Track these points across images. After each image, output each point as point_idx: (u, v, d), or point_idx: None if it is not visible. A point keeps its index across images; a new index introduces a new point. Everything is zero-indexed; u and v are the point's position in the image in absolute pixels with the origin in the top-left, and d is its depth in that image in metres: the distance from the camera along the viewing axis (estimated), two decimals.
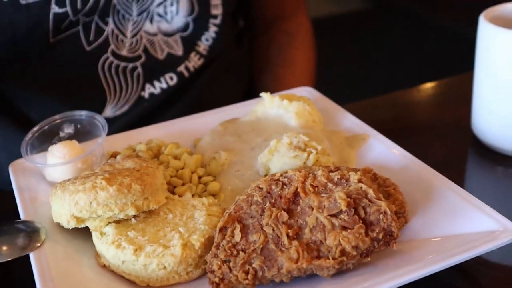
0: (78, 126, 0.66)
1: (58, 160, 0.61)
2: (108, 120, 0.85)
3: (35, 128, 0.65)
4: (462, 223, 0.51)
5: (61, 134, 0.67)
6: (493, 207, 0.52)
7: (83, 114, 0.66)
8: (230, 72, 0.98)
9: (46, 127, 0.65)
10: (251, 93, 1.06)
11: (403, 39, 3.28)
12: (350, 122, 0.68)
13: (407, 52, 2.82)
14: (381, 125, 0.68)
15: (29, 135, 0.64)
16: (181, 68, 0.89)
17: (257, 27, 1.08)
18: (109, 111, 0.86)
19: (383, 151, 0.62)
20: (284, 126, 0.65)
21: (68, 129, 0.66)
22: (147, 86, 0.87)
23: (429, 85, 0.86)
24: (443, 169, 0.59)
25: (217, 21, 0.90)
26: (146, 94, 0.87)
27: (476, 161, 0.70)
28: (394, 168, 0.59)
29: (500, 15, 0.69)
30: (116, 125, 0.86)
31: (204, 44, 0.90)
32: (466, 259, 0.48)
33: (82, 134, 0.66)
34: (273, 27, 1.07)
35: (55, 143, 0.64)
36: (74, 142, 0.63)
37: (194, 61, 0.90)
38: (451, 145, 0.71)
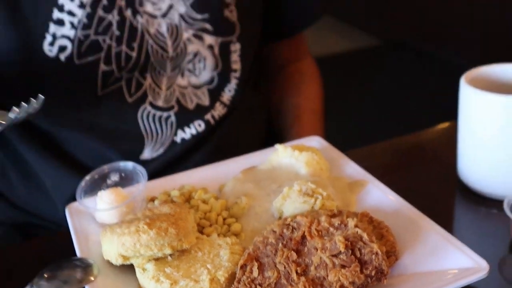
0: (123, 174, 0.72)
1: (106, 205, 0.66)
2: (146, 161, 0.90)
3: (88, 177, 0.70)
4: (443, 260, 0.56)
5: (108, 182, 0.71)
6: (473, 245, 0.57)
7: (127, 164, 0.71)
8: (250, 116, 1.02)
9: (96, 176, 0.71)
10: (271, 133, 1.11)
11: (412, 77, 3.26)
12: (351, 169, 0.72)
13: (416, 90, 2.78)
14: (378, 170, 0.72)
15: (83, 183, 0.70)
16: (208, 116, 0.93)
17: (271, 71, 1.13)
18: (147, 153, 0.90)
19: (379, 196, 0.67)
20: (295, 174, 0.70)
21: (114, 177, 0.72)
22: (179, 132, 0.91)
23: (425, 131, 0.90)
24: (431, 209, 0.64)
25: (237, 74, 0.95)
26: (178, 139, 0.91)
27: (461, 202, 0.74)
28: (387, 211, 0.64)
29: (481, 76, 0.73)
30: (153, 165, 0.90)
31: (227, 94, 0.95)
32: None
33: (126, 181, 0.71)
34: (285, 69, 1.12)
35: (104, 190, 0.68)
36: (119, 188, 0.69)
37: (219, 110, 0.94)
38: (439, 187, 0.76)
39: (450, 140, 0.76)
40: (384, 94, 3.15)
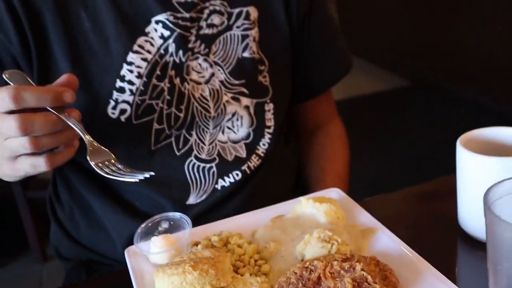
0: (171, 222, 0.80)
1: (158, 248, 0.74)
2: (191, 205, 0.97)
3: (143, 225, 0.78)
4: None
5: (160, 229, 0.80)
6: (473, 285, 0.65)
7: (175, 214, 0.80)
8: (281, 167, 1.09)
9: (150, 224, 0.79)
10: (299, 183, 1.18)
11: (440, 118, 3.27)
12: (364, 217, 0.80)
13: (444, 132, 2.76)
14: (388, 219, 0.79)
15: (139, 230, 0.78)
16: (245, 167, 1.00)
17: (301, 132, 1.20)
18: (192, 199, 0.97)
19: (386, 242, 0.74)
20: (316, 222, 0.78)
21: (165, 225, 0.80)
22: (220, 180, 0.98)
23: (431, 181, 0.97)
24: (431, 253, 0.71)
25: (271, 130, 1.03)
26: (218, 187, 0.98)
27: (461, 246, 0.81)
28: (393, 255, 0.71)
29: (476, 138, 0.79)
30: (197, 209, 0.97)
31: (261, 148, 1.02)
32: None
33: (174, 228, 0.79)
34: (315, 132, 1.18)
35: (156, 235, 0.77)
36: (169, 235, 0.77)
37: (254, 162, 1.02)
38: (440, 234, 0.82)
39: (451, 192, 0.83)
40: (413, 134, 3.18)
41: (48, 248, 2.35)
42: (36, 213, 2.18)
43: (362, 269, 0.63)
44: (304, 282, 0.64)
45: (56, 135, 0.73)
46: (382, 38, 4.49)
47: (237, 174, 1.00)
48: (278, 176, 1.08)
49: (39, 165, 0.74)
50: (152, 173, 0.75)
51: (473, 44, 3.35)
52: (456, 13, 3.47)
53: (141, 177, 0.75)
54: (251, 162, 1.01)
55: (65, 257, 1.09)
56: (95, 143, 0.76)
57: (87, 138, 0.76)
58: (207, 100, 0.96)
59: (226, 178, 0.99)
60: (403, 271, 0.69)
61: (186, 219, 0.79)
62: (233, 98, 0.98)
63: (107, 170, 0.75)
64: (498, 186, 0.54)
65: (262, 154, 1.02)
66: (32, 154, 0.73)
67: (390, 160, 2.88)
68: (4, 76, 0.76)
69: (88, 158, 0.75)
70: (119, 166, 0.76)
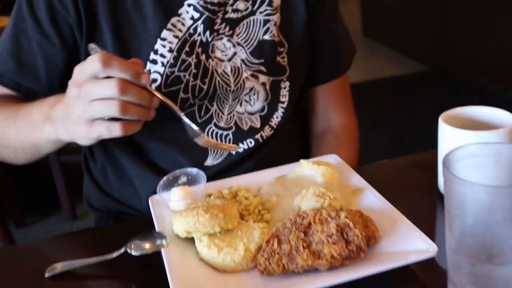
0: (189, 177, 0.90)
1: (177, 198, 0.85)
2: (208, 166, 1.07)
3: (165, 178, 0.89)
4: (408, 244, 0.74)
5: (179, 182, 0.90)
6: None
7: (192, 170, 0.90)
8: (290, 139, 1.19)
9: (171, 177, 0.90)
10: (303, 156, 1.27)
11: (454, 103, 3.32)
12: (356, 180, 0.91)
13: None
14: (378, 183, 0.89)
15: (161, 182, 0.88)
16: (258, 136, 1.10)
17: (311, 130, 1.26)
18: (209, 161, 1.08)
19: (373, 200, 0.85)
20: (314, 181, 0.88)
21: (183, 179, 0.90)
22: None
23: (418, 154, 1.07)
24: (412, 212, 0.80)
25: (284, 105, 1.12)
26: (233, 152, 1.08)
27: (440, 208, 0.90)
28: (377, 211, 0.81)
29: (456, 116, 0.88)
30: (213, 170, 1.07)
31: (275, 120, 1.12)
32: (406, 264, 0.72)
33: (191, 182, 0.90)
34: (326, 131, 1.22)
35: (176, 187, 0.87)
36: (186, 187, 0.88)
37: (267, 132, 1.11)
38: (423, 197, 0.91)
39: (433, 164, 0.92)
40: (427, 117, 3.25)
41: (77, 207, 2.50)
42: (67, 176, 2.32)
43: (346, 217, 0.74)
44: (297, 226, 0.75)
45: (141, 107, 0.81)
46: (403, 26, 4.53)
47: (251, 142, 1.10)
48: (286, 147, 1.18)
49: (114, 129, 0.80)
50: (240, 148, 0.88)
51: (488, 35, 3.39)
52: (476, 5, 3.50)
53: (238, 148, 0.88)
54: (264, 132, 1.11)
55: (96, 207, 1.21)
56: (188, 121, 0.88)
57: (182, 116, 0.87)
58: (228, 75, 1.04)
59: (240, 144, 1.09)
60: (384, 224, 0.79)
61: (202, 174, 0.90)
62: (252, 75, 1.06)
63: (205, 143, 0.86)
64: (458, 150, 0.64)
65: (274, 126, 1.12)
66: (110, 119, 0.80)
67: (401, 139, 2.96)
68: (89, 47, 0.86)
69: (190, 136, 0.88)
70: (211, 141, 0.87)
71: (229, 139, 1.08)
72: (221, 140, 1.08)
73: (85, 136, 0.83)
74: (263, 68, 1.06)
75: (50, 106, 0.89)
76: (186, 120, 0.88)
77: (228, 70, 1.04)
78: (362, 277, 0.70)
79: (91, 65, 0.77)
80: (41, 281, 0.80)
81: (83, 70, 0.79)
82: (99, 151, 1.15)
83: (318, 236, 0.73)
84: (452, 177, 0.60)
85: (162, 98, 0.84)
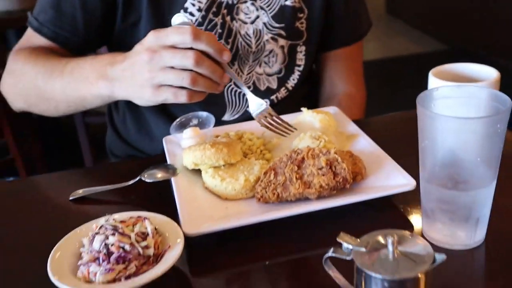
0: (200, 120, 0.99)
1: (188, 136, 0.95)
2: (225, 121, 1.14)
3: (177, 120, 0.98)
4: (391, 180, 0.83)
5: (191, 124, 0.98)
6: None
7: (203, 113, 0.99)
8: (301, 100, 1.24)
9: (183, 119, 0.99)
10: None
11: None
12: (352, 127, 0.99)
13: None
14: (373, 132, 0.97)
15: (174, 123, 0.97)
16: (273, 97, 1.18)
17: (319, 94, 1.33)
18: (226, 116, 1.16)
19: (364, 144, 0.93)
20: (312, 127, 0.97)
21: (194, 122, 0.99)
22: None
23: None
24: (400, 157, 0.89)
25: (300, 68, 1.20)
26: (249, 110, 1.14)
27: None
28: (367, 153, 0.90)
29: (445, 71, 0.94)
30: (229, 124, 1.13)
31: (291, 82, 1.20)
32: (387, 195, 0.80)
33: (201, 124, 0.98)
34: (330, 100, 1.28)
35: (187, 128, 0.96)
36: (197, 128, 0.96)
37: (282, 93, 1.19)
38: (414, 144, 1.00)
39: None
40: None
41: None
42: (91, 136, 2.44)
43: (335, 153, 0.83)
44: (292, 160, 0.84)
45: (211, 80, 0.84)
46: (426, 5, 4.53)
47: (266, 102, 1.14)
48: (298, 108, 1.25)
49: (181, 96, 0.83)
50: (295, 130, 0.91)
51: (508, 16, 3.39)
52: None
53: (288, 133, 0.91)
54: (279, 93, 1.19)
55: (116, 155, 1.31)
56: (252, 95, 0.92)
57: (249, 92, 0.92)
58: (250, 37, 1.11)
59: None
60: (371, 164, 0.88)
61: (211, 117, 1.00)
62: (272, 38, 1.13)
63: (264, 122, 0.92)
64: (432, 91, 0.72)
65: (290, 88, 1.20)
66: (177, 86, 0.83)
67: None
68: (174, 18, 0.85)
69: (250, 110, 0.91)
70: (272, 114, 0.93)
71: (247, 98, 1.15)
72: (238, 99, 1.15)
73: (148, 99, 0.86)
74: (283, 32, 1.13)
75: (105, 64, 0.91)
76: (251, 96, 0.92)
77: (251, 32, 1.10)
78: (347, 204, 0.79)
79: (179, 35, 0.79)
80: (66, 204, 0.90)
81: (164, 38, 0.81)
82: (123, 103, 1.25)
83: (310, 169, 0.82)
84: (423, 111, 0.68)
85: (231, 74, 0.87)
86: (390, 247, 0.58)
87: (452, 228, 0.72)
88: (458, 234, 0.72)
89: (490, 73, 0.93)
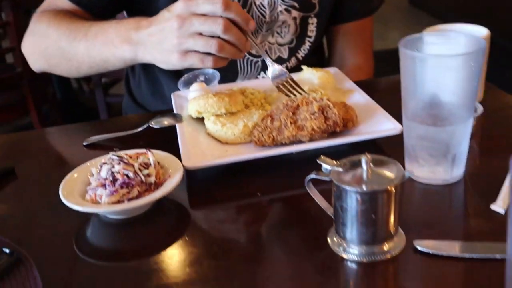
0: (206, 76, 1.05)
1: (194, 90, 1.03)
2: None
3: (185, 75, 1.04)
4: (379, 126, 0.89)
5: (198, 80, 1.05)
6: None
7: (209, 70, 1.05)
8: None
9: (191, 75, 1.05)
10: None
11: (494, 71, 3.36)
12: (349, 85, 1.05)
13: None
14: (370, 91, 1.02)
15: (182, 78, 1.04)
16: (283, 66, 1.20)
17: (332, 61, 1.37)
18: (239, 81, 1.19)
19: (359, 98, 0.99)
20: (312, 83, 1.04)
21: (201, 77, 1.05)
22: (262, 73, 1.21)
23: None
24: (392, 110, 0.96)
25: (311, 39, 1.25)
26: (260, 77, 1.21)
27: None
28: (360, 106, 0.95)
29: (441, 30, 1.04)
30: None
31: (301, 53, 1.25)
32: (374, 137, 0.87)
33: (208, 81, 1.04)
34: (346, 66, 1.33)
35: (195, 83, 1.03)
36: (203, 83, 1.03)
37: (292, 63, 1.24)
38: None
39: None
40: None
41: None
42: (111, 115, 2.55)
43: (328, 100, 0.89)
44: (288, 107, 0.91)
45: (235, 47, 0.89)
46: None
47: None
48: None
49: (207, 62, 0.88)
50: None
51: None
52: None
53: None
54: (289, 63, 1.22)
55: None
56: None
57: (269, 60, 0.99)
58: (265, 8, 1.15)
59: (266, 72, 1.18)
60: (363, 114, 0.94)
61: (216, 73, 1.06)
62: (286, 10, 1.16)
63: (284, 89, 0.99)
64: (415, 36, 0.78)
65: (300, 58, 1.25)
66: (203, 53, 0.88)
67: None
68: None
69: (269, 76, 0.98)
70: (289, 80, 1.00)
71: (258, 66, 1.21)
72: (250, 66, 1.21)
73: (174, 63, 0.91)
74: (296, 4, 1.16)
75: (130, 28, 0.95)
76: (271, 63, 0.99)
77: (265, 3, 1.14)
78: (336, 145, 0.85)
79: (210, 5, 0.85)
80: (80, 149, 0.98)
81: (195, 6, 0.86)
82: (139, 67, 1.31)
83: (303, 114, 0.88)
84: (405, 51, 0.74)
85: (253, 41, 0.94)
86: (364, 166, 0.64)
87: (431, 164, 0.77)
88: (437, 169, 0.77)
89: (481, 32, 0.98)
